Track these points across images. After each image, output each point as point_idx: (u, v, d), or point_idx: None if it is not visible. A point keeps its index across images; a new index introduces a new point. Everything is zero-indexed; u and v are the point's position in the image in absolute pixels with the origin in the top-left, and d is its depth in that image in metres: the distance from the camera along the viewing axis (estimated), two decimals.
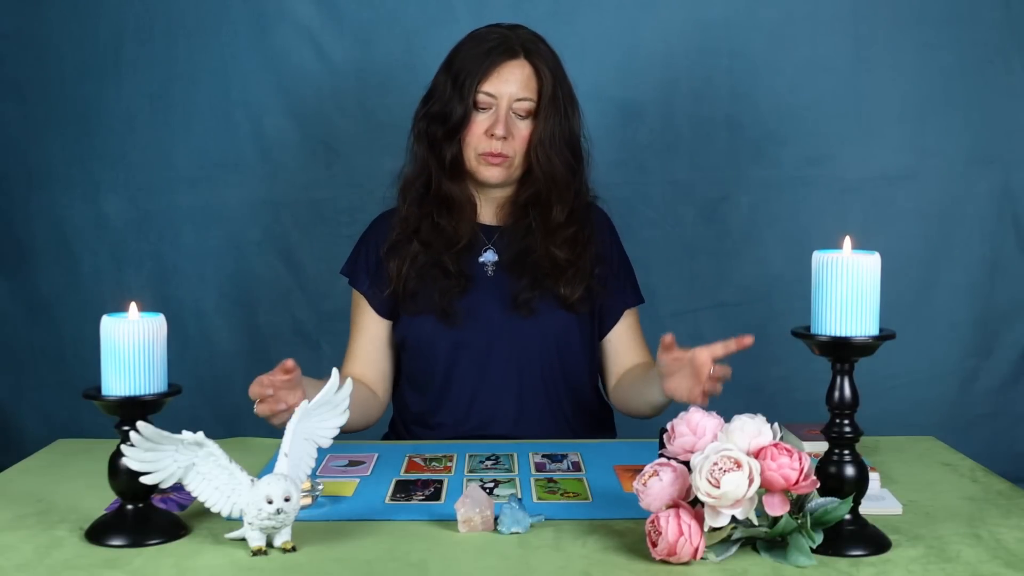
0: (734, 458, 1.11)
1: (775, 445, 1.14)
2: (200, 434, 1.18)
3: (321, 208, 2.50)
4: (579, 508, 1.33)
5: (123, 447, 1.18)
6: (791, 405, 2.34)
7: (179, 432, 1.17)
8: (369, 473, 1.49)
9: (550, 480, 1.45)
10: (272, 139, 2.49)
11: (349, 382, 1.27)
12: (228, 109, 2.48)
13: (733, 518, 1.12)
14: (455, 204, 1.80)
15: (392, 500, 1.37)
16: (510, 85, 1.74)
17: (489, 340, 1.78)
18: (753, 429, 1.15)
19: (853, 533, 1.18)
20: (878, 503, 1.32)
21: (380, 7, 2.46)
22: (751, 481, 1.11)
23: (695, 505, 1.14)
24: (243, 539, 1.20)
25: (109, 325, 1.21)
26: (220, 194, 2.49)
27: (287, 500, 1.16)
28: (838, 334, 1.17)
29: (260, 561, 1.16)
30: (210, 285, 2.52)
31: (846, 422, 1.19)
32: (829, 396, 1.20)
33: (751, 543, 1.17)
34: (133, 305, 1.25)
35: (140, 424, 1.16)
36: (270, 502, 1.16)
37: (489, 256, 1.83)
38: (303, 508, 1.27)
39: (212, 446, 1.19)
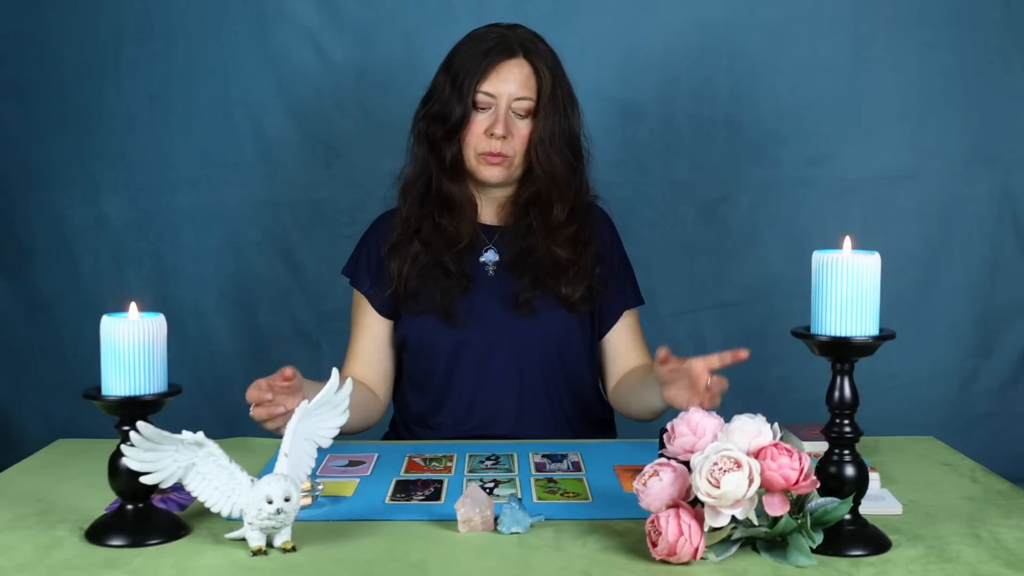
0: (734, 458, 1.11)
1: (775, 445, 1.14)
2: (200, 434, 1.18)
3: (321, 208, 2.50)
4: (579, 508, 1.33)
5: (123, 447, 1.18)
6: (791, 405, 2.34)
7: (179, 432, 1.17)
8: (369, 473, 1.49)
9: (550, 480, 1.45)
10: (272, 139, 2.49)
11: (349, 382, 1.27)
12: (228, 109, 2.48)
13: (733, 518, 1.12)
14: (456, 204, 1.80)
15: (392, 500, 1.37)
16: (509, 84, 1.74)
17: (490, 340, 1.78)
18: (753, 429, 1.15)
19: (853, 533, 1.18)
20: (878, 503, 1.32)
21: (380, 7, 2.46)
22: (751, 481, 1.11)
23: (695, 505, 1.14)
24: (243, 539, 1.20)
25: (109, 325, 1.21)
26: (220, 194, 2.49)
27: (287, 500, 1.16)
28: (838, 334, 1.17)
29: (260, 561, 1.16)
30: (210, 285, 2.52)
31: (846, 422, 1.19)
32: (829, 396, 1.20)
33: (751, 543, 1.17)
34: (133, 305, 1.25)
35: (140, 424, 1.16)
36: (270, 502, 1.16)
37: (490, 256, 1.83)
38: (303, 508, 1.27)
39: (212, 446, 1.19)
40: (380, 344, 1.85)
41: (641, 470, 1.19)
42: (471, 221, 1.81)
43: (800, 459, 1.13)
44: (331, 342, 2.46)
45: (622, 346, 1.86)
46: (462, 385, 1.80)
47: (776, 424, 1.17)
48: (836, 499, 1.16)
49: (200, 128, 2.48)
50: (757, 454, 1.14)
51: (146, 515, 1.24)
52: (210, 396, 2.43)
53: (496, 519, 1.24)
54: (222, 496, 1.21)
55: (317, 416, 1.26)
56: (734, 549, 1.16)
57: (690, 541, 1.11)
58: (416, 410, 1.85)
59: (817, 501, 1.16)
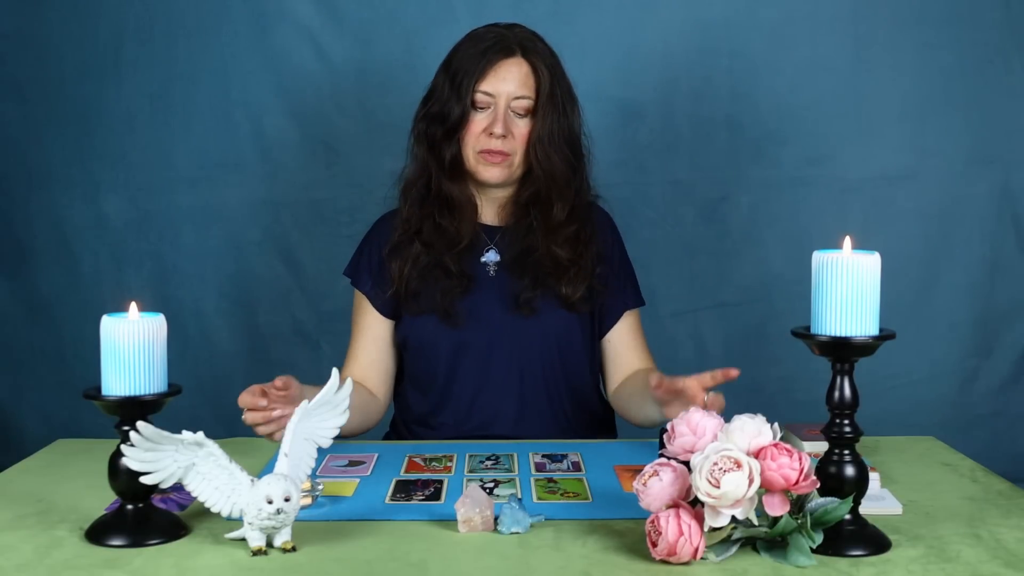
0: (734, 458, 1.11)
1: (775, 445, 1.14)
2: (200, 434, 1.18)
3: (321, 208, 2.50)
4: (579, 508, 1.33)
5: (123, 447, 1.18)
6: (791, 405, 2.35)
7: (179, 432, 1.17)
8: (369, 473, 1.49)
9: (550, 480, 1.45)
10: (272, 139, 2.49)
11: (349, 381, 1.27)
12: (228, 109, 2.48)
13: (733, 518, 1.12)
14: (456, 204, 1.80)
15: (392, 500, 1.36)
16: (508, 84, 1.74)
17: (491, 340, 1.78)
18: (753, 429, 1.15)
19: (853, 533, 1.18)
20: (878, 503, 1.32)
21: (380, 7, 2.46)
22: (751, 481, 1.11)
23: (695, 505, 1.14)
24: (243, 539, 1.20)
25: (109, 325, 1.21)
26: (220, 194, 2.50)
27: (287, 500, 1.16)
28: (838, 334, 1.17)
29: (260, 561, 1.16)
30: (210, 285, 2.52)
31: (846, 422, 1.19)
32: (829, 396, 1.20)
33: (751, 543, 1.17)
34: (133, 305, 1.25)
35: (140, 424, 1.16)
36: (270, 502, 1.16)
37: (491, 256, 1.83)
38: (303, 508, 1.27)
39: (212, 446, 1.19)
40: (381, 344, 1.85)
41: (641, 470, 1.19)
42: (471, 221, 1.81)
43: (800, 459, 1.13)
44: (331, 342, 2.46)
45: (623, 347, 1.86)
46: (463, 385, 1.80)
47: (776, 424, 1.17)
48: (836, 499, 1.16)
49: (200, 128, 2.48)
50: (757, 454, 1.14)
51: (146, 515, 1.24)
52: (210, 396, 2.43)
53: (496, 519, 1.24)
54: (222, 496, 1.21)
55: (317, 416, 1.26)
56: (734, 549, 1.16)
57: (690, 541, 1.11)
58: (417, 410, 1.86)
59: (817, 501, 1.16)
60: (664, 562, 1.13)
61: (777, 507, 1.13)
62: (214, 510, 1.21)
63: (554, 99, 1.76)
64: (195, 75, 2.47)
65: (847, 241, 1.21)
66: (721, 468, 1.11)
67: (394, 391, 1.91)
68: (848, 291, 1.16)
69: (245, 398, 1.48)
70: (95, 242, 2.51)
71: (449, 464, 1.53)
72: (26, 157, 2.50)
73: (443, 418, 1.82)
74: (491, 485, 1.42)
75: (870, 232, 2.23)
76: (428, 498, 1.37)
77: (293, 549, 1.18)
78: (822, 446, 1.23)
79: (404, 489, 1.41)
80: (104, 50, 2.46)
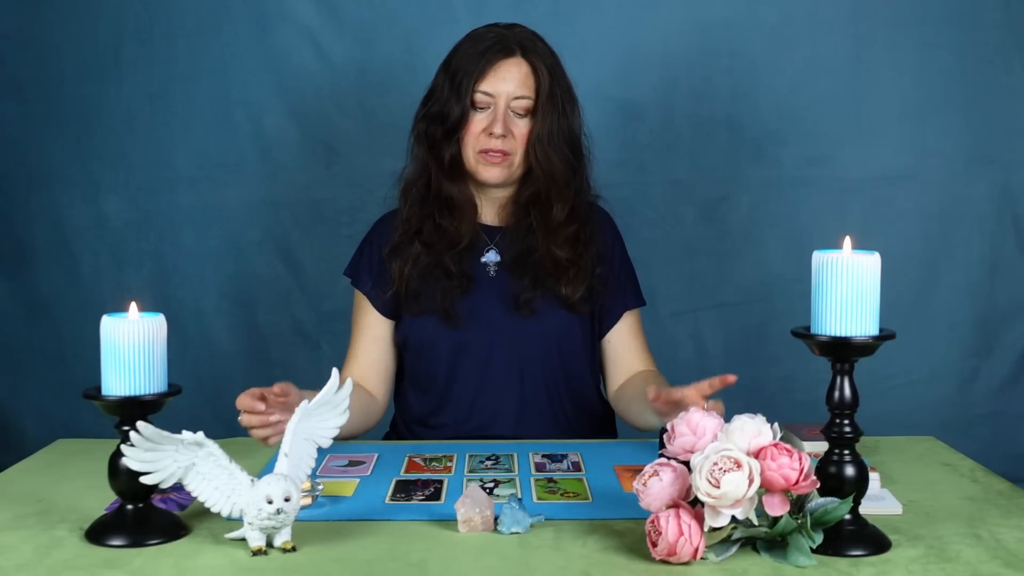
0: (734, 458, 1.11)
1: (775, 445, 1.14)
2: (200, 434, 1.18)
3: (321, 208, 2.50)
4: (579, 508, 1.33)
5: (123, 447, 1.18)
6: (791, 405, 2.35)
7: (179, 432, 1.17)
8: (369, 473, 1.49)
9: (550, 480, 1.45)
10: (272, 139, 2.49)
11: (349, 382, 1.27)
12: (228, 109, 2.48)
13: (733, 518, 1.12)
14: (456, 205, 1.80)
15: (392, 500, 1.37)
16: (507, 83, 1.74)
17: (491, 341, 1.78)
18: (753, 429, 1.15)
19: (853, 533, 1.18)
20: (878, 503, 1.32)
21: (380, 7, 2.46)
22: (751, 481, 1.11)
23: (695, 505, 1.14)
24: (243, 539, 1.20)
25: (109, 325, 1.21)
26: (220, 194, 2.49)
27: (287, 500, 1.16)
28: (838, 334, 1.17)
29: (260, 561, 1.16)
30: (210, 285, 2.52)
31: (846, 422, 1.19)
32: (829, 396, 1.20)
33: (751, 543, 1.17)
34: (133, 305, 1.25)
35: (140, 424, 1.16)
36: (270, 502, 1.16)
37: (491, 256, 1.83)
38: (303, 508, 1.27)
39: (212, 446, 1.19)
40: (381, 345, 1.85)
41: (641, 470, 1.19)
42: (472, 221, 1.81)
43: (800, 459, 1.13)
44: (331, 342, 2.46)
45: (623, 347, 1.86)
46: (463, 386, 1.80)
47: (776, 424, 1.17)
48: (836, 499, 1.16)
49: (200, 128, 2.48)
50: (757, 454, 1.14)
51: (146, 515, 1.25)
52: (210, 396, 2.43)
53: (496, 519, 1.24)
54: (222, 496, 1.21)
55: (317, 416, 1.26)
56: (734, 549, 1.16)
57: (690, 541, 1.11)
58: (417, 410, 1.86)
59: (817, 501, 1.16)
60: (664, 562, 1.13)
61: (777, 507, 1.13)
62: (214, 510, 1.21)
63: (554, 99, 1.76)
64: (195, 75, 2.47)
65: (847, 241, 1.21)
66: (721, 468, 1.11)
67: (394, 391, 1.91)
68: (848, 291, 1.16)
69: (244, 400, 1.48)
70: (95, 242, 2.51)
71: (449, 464, 1.53)
72: (26, 157, 2.50)
73: (443, 418, 1.82)
74: (491, 485, 1.42)
75: (870, 232, 2.22)
76: (428, 498, 1.37)
77: (293, 549, 1.18)
78: (822, 446, 1.23)
79: (404, 489, 1.41)
80: (104, 50, 2.46)
